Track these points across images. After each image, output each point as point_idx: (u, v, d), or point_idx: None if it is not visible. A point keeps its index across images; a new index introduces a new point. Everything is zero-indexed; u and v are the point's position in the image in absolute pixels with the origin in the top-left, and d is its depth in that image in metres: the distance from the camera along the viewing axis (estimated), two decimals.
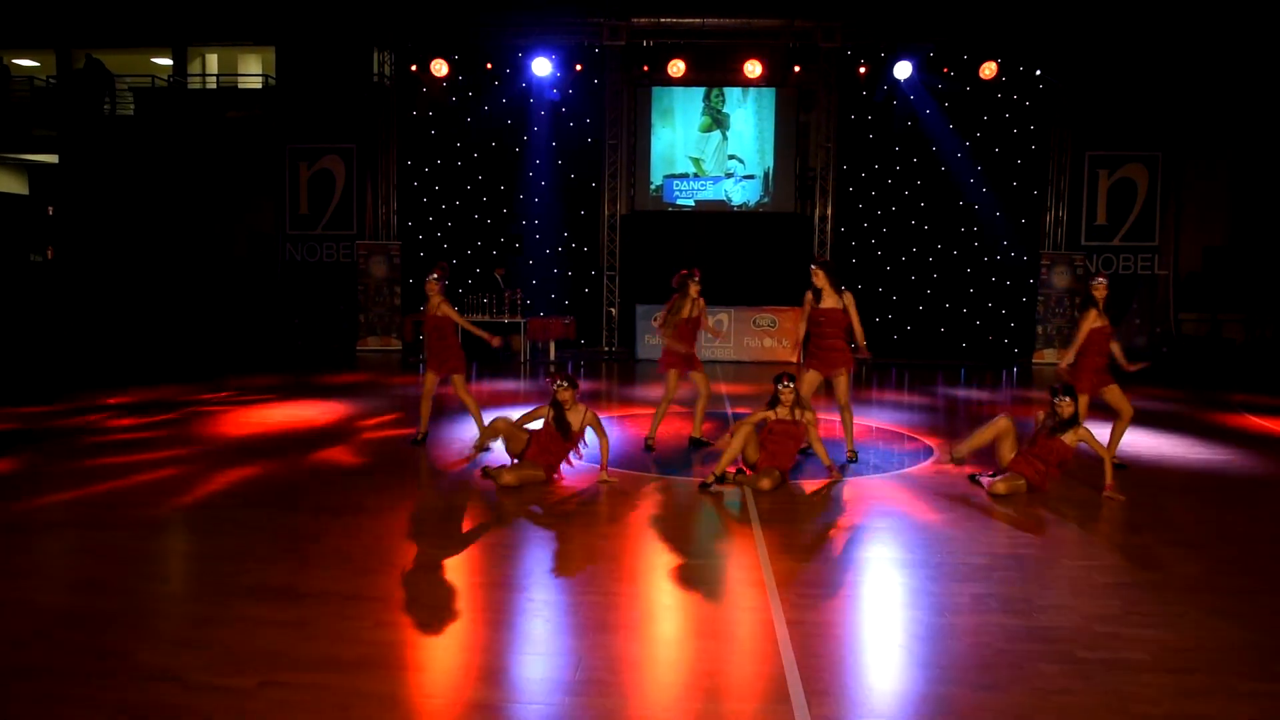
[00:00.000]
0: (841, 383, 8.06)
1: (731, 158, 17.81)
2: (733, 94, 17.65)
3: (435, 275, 8.48)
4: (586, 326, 17.86)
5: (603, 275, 17.75)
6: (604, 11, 16.90)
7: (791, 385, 7.27)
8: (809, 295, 8.05)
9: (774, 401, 7.30)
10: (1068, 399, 7.01)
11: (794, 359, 9.42)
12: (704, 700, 3.75)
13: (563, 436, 7.20)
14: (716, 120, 17.81)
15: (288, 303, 17.96)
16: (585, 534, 6.00)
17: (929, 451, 8.75)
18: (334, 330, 17.81)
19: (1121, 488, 7.11)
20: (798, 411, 7.27)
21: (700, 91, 17.69)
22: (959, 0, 16.79)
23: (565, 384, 7.16)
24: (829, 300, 7.98)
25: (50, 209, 22.69)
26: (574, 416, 7.21)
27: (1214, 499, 7.20)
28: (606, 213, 17.80)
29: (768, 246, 17.60)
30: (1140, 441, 9.37)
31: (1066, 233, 17.46)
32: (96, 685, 3.74)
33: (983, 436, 7.34)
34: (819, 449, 7.49)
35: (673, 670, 4.07)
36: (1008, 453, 7.22)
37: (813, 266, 8.08)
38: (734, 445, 7.12)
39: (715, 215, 17.86)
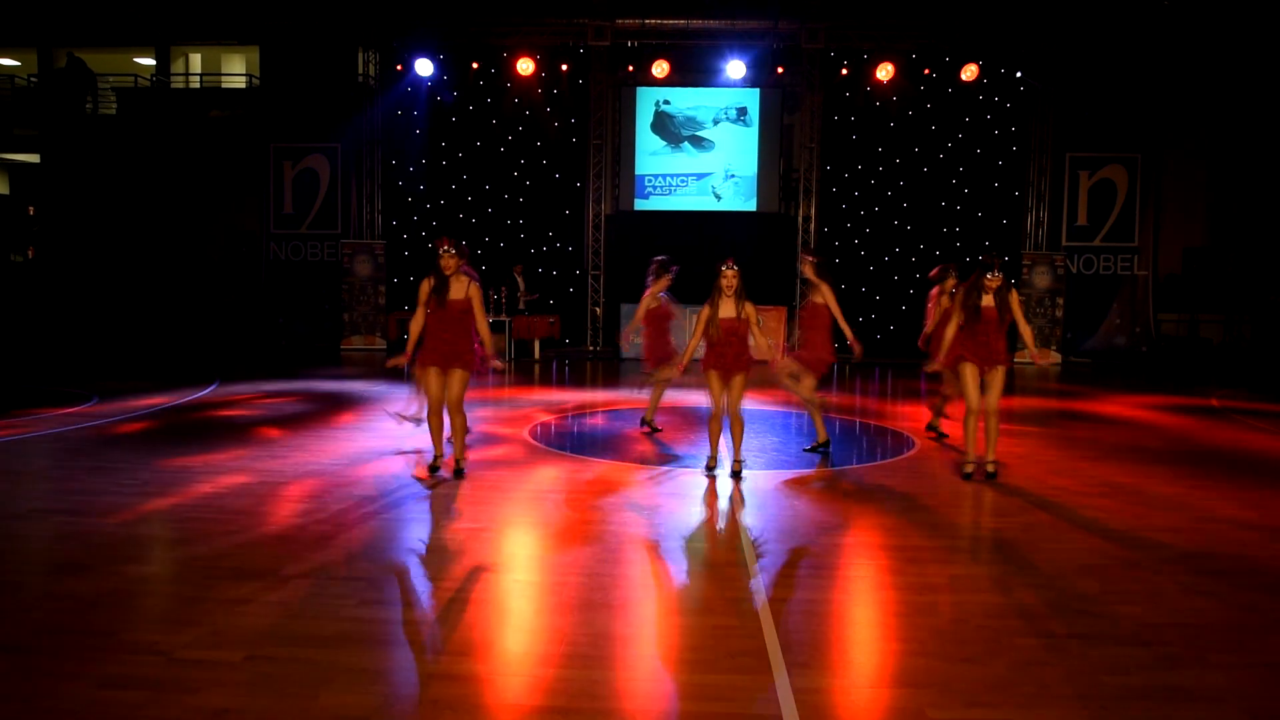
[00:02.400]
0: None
1: (716, 158, 17.88)
2: (717, 94, 17.74)
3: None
4: (571, 325, 17.90)
5: (587, 275, 17.79)
6: (589, 12, 16.97)
7: (735, 269, 7.04)
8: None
9: (716, 292, 7.04)
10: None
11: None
12: (688, 672, 3.79)
13: (438, 304, 6.74)
14: (700, 121, 17.88)
15: (272, 302, 17.91)
16: (570, 518, 6.03)
17: (910, 444, 8.84)
18: (318, 329, 17.77)
19: (1099, 477, 7.20)
20: (742, 306, 7.07)
21: (685, 92, 17.77)
22: (941, 3, 16.95)
23: (450, 249, 6.72)
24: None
25: (31, 209, 22.59)
26: (456, 286, 6.77)
27: (1191, 488, 7.29)
28: (591, 212, 17.85)
29: (752, 247, 17.69)
30: (1121, 435, 9.50)
31: (1047, 233, 17.63)
32: (81, 660, 3.75)
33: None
34: (762, 343, 7.37)
35: (656, 645, 4.11)
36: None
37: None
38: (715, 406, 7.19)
39: (699, 215, 17.93)
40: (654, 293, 8.75)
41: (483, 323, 6.90)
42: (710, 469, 7.33)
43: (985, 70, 17.03)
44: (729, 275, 7.02)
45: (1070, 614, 4.48)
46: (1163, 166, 17.83)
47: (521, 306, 16.70)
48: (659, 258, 8.96)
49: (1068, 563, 5.29)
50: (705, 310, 7.09)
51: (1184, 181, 18.42)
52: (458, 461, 7.15)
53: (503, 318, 16.10)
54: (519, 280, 16.75)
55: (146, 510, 6.14)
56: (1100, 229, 17.72)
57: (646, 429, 9.09)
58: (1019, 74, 17.17)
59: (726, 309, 7.06)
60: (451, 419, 7.00)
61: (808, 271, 8.25)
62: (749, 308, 7.09)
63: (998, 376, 7.14)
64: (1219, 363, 16.79)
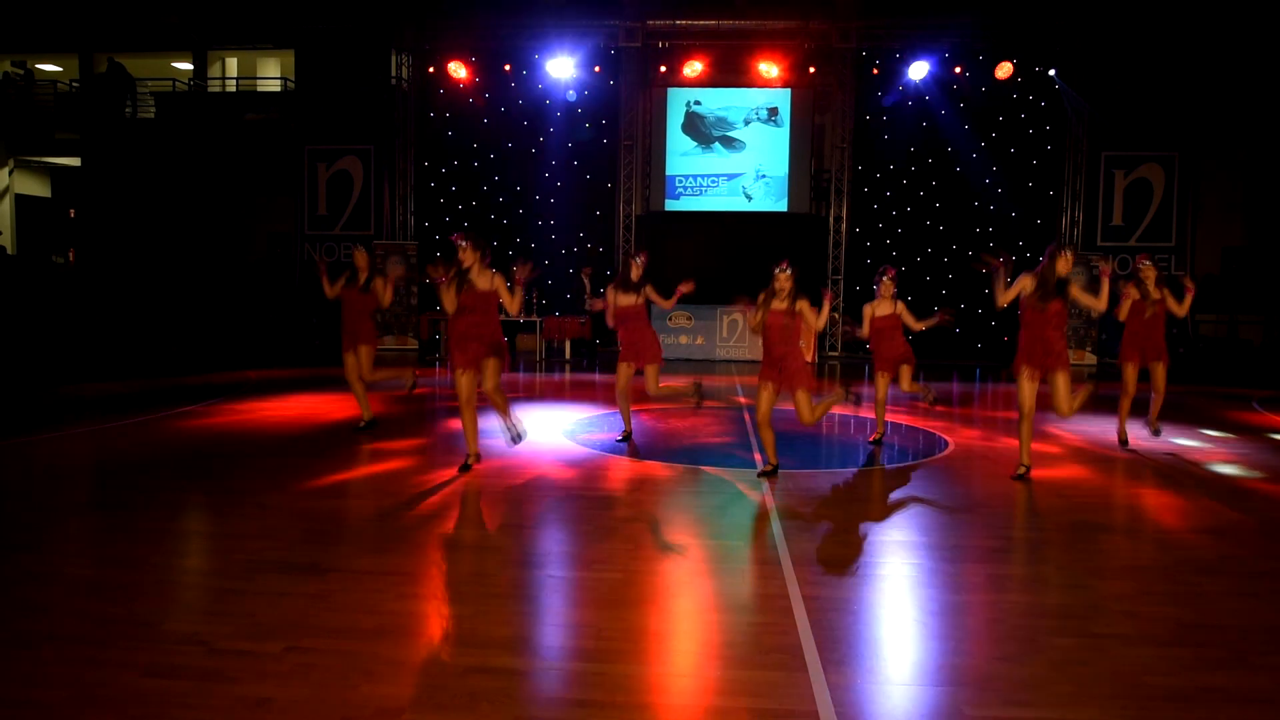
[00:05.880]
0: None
1: (747, 158, 17.86)
2: (748, 94, 17.71)
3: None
4: (602, 326, 17.90)
5: (618, 275, 17.79)
6: (620, 13, 17.02)
7: (790, 271, 6.92)
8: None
9: (770, 292, 6.92)
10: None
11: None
12: (721, 668, 3.79)
13: (464, 292, 6.77)
14: (731, 121, 17.86)
15: (306, 302, 18.10)
16: (604, 515, 6.05)
17: (944, 444, 8.79)
18: None
19: (1138, 477, 7.12)
20: (796, 302, 6.89)
21: (715, 92, 17.76)
22: (974, 1, 16.82)
23: (465, 243, 6.74)
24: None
25: (72, 211, 22.98)
26: (482, 280, 6.82)
27: (1230, 488, 7.19)
28: (622, 213, 17.89)
29: (783, 247, 17.58)
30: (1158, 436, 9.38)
31: (1083, 233, 17.43)
32: (125, 649, 3.82)
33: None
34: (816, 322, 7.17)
35: (690, 641, 4.12)
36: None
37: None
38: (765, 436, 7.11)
39: (730, 216, 17.91)
40: (613, 286, 8.57)
41: (505, 296, 6.92)
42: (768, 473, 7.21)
43: (1019, 69, 16.86)
44: (781, 278, 6.88)
45: (1110, 614, 4.43)
46: (1200, 165, 17.57)
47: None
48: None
49: (1106, 564, 5.24)
50: (758, 303, 6.98)
51: (1222, 180, 18.14)
52: (512, 429, 7.42)
53: (533, 318, 16.19)
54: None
55: (181, 503, 6.24)
56: (1136, 229, 17.50)
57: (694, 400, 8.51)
58: (1052, 71, 16.99)
59: (778, 307, 6.93)
60: (493, 401, 7.25)
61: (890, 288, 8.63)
62: (802, 303, 6.90)
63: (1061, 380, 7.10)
64: (1259, 364, 16.49)
